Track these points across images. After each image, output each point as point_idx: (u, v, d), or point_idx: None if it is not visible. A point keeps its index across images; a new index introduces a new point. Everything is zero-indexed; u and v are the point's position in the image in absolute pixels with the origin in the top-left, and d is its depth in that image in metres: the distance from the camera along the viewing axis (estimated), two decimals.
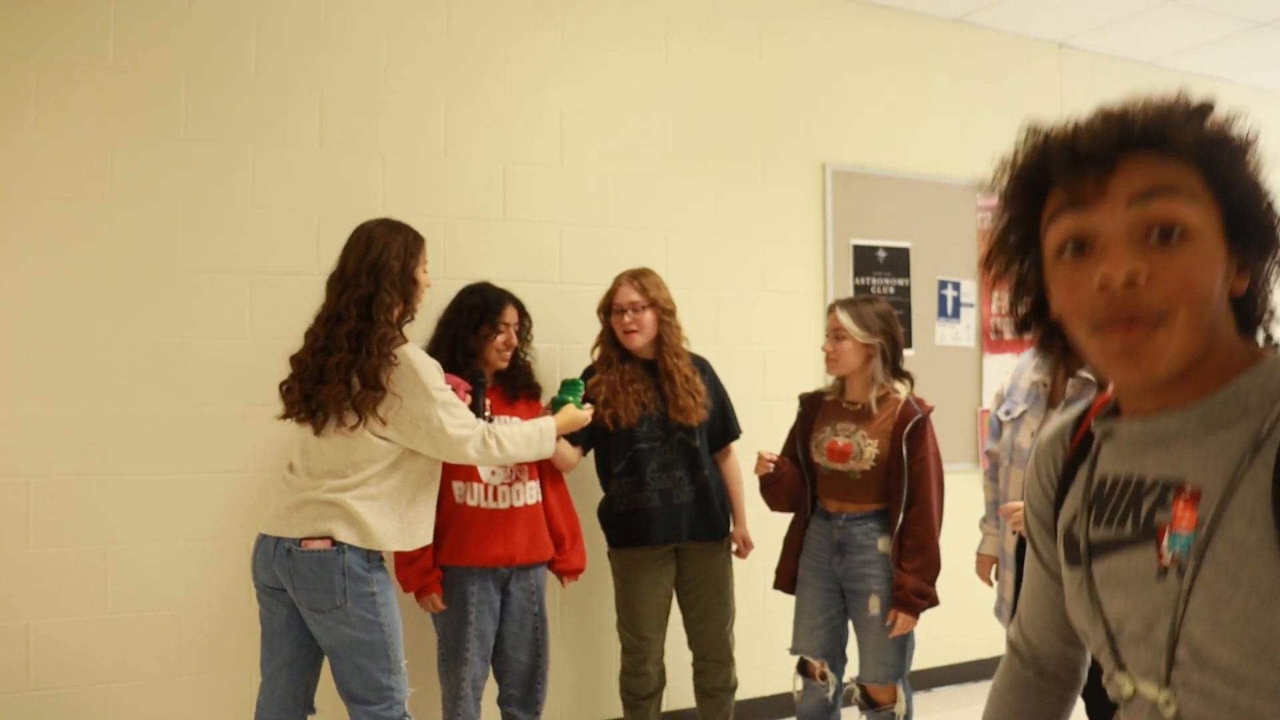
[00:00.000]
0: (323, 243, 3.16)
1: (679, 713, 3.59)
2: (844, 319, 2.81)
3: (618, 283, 3.11)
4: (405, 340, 2.43)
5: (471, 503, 2.88)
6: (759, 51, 3.93)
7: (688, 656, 3.26)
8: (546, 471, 3.05)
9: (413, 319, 2.56)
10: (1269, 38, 4.58)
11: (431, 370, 2.43)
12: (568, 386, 2.89)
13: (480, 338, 2.96)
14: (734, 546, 3.27)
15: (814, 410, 2.98)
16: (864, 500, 2.82)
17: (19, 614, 2.83)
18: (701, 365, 3.22)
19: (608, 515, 3.15)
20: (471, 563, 2.85)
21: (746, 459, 3.49)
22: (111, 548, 2.92)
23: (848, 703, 2.97)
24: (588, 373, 3.14)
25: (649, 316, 3.08)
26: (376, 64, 3.27)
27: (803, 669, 2.94)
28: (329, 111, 3.19)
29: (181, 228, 3.01)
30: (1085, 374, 2.42)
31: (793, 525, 3.00)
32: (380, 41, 3.27)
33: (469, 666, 2.85)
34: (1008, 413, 2.59)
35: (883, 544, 2.80)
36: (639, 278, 3.11)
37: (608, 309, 3.11)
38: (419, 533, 2.48)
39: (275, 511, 2.43)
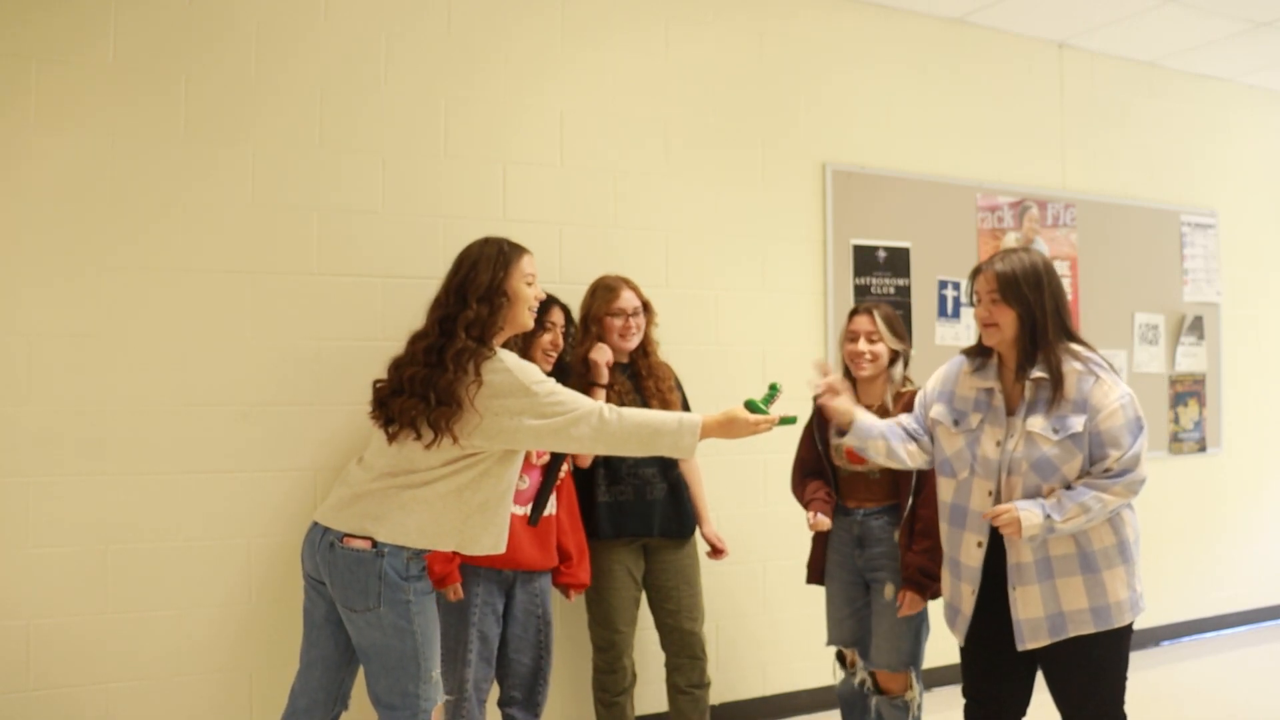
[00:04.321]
0: (322, 242, 3.17)
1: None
2: (880, 324, 2.92)
3: (615, 287, 3.11)
4: (493, 351, 2.30)
5: None
6: (759, 51, 3.93)
7: (658, 659, 3.25)
8: (563, 487, 3.04)
9: (521, 331, 2.45)
10: (1269, 38, 4.58)
11: (526, 368, 2.30)
12: (774, 390, 2.39)
13: (527, 336, 2.96)
14: (706, 549, 3.24)
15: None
16: (882, 496, 2.94)
17: (19, 614, 2.83)
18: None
19: (583, 509, 3.10)
20: (478, 563, 2.84)
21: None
22: (111, 548, 2.92)
23: (862, 689, 3.03)
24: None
25: (644, 319, 3.13)
26: (376, 63, 3.27)
27: (840, 658, 3.09)
28: (328, 111, 3.19)
29: (181, 227, 3.00)
30: (1039, 373, 2.41)
31: None
32: (380, 41, 3.27)
33: (470, 668, 2.84)
34: (956, 423, 2.56)
35: (899, 535, 2.89)
36: (630, 282, 3.15)
37: (602, 314, 3.09)
38: (484, 539, 2.32)
39: (331, 501, 2.38)
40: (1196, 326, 5.03)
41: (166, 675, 2.97)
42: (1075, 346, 2.45)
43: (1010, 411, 2.48)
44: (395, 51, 3.29)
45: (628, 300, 3.11)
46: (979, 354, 2.58)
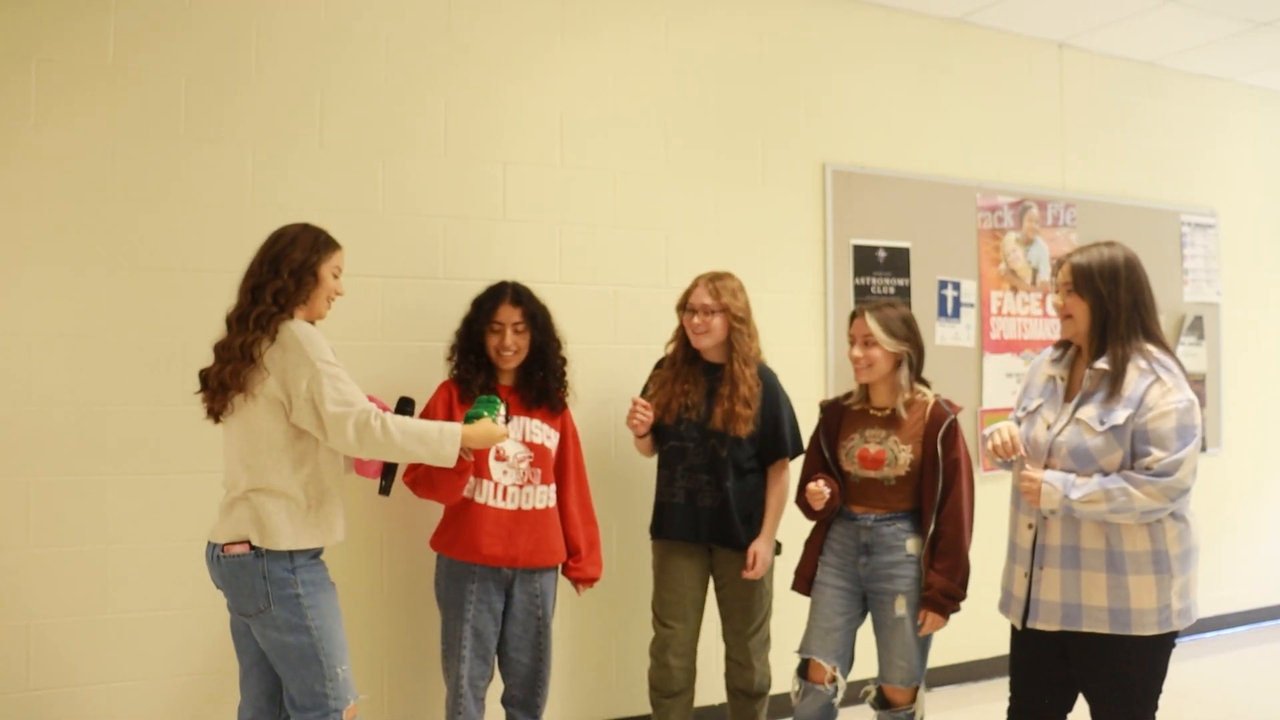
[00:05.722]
0: None
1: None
2: (874, 326, 2.81)
3: (695, 283, 3.13)
4: (291, 317, 2.37)
5: (479, 500, 2.86)
6: (759, 51, 3.93)
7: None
8: (570, 477, 3.04)
9: (316, 318, 2.49)
10: (1269, 38, 4.58)
11: (318, 342, 2.35)
12: (484, 402, 2.63)
13: (476, 335, 2.96)
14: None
15: (837, 418, 2.96)
16: (895, 503, 2.83)
17: (19, 614, 2.83)
18: (764, 376, 3.13)
19: (655, 504, 3.20)
20: (473, 559, 2.84)
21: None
22: (111, 548, 2.92)
23: (860, 702, 2.97)
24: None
25: (718, 321, 3.07)
26: (376, 64, 3.27)
27: (803, 671, 2.91)
28: (329, 111, 3.19)
29: (181, 228, 3.00)
30: (1102, 365, 2.41)
31: (815, 527, 2.99)
32: (380, 41, 3.27)
33: (465, 664, 2.85)
34: (1025, 408, 2.58)
35: (912, 545, 2.80)
36: (715, 281, 3.10)
37: (679, 305, 3.15)
38: (336, 525, 2.41)
39: (217, 518, 2.44)
40: (1196, 326, 5.03)
41: (166, 675, 2.97)
42: (1149, 347, 2.42)
43: (1068, 399, 2.48)
44: (395, 51, 3.29)
45: (697, 296, 3.09)
46: (1064, 345, 2.58)
